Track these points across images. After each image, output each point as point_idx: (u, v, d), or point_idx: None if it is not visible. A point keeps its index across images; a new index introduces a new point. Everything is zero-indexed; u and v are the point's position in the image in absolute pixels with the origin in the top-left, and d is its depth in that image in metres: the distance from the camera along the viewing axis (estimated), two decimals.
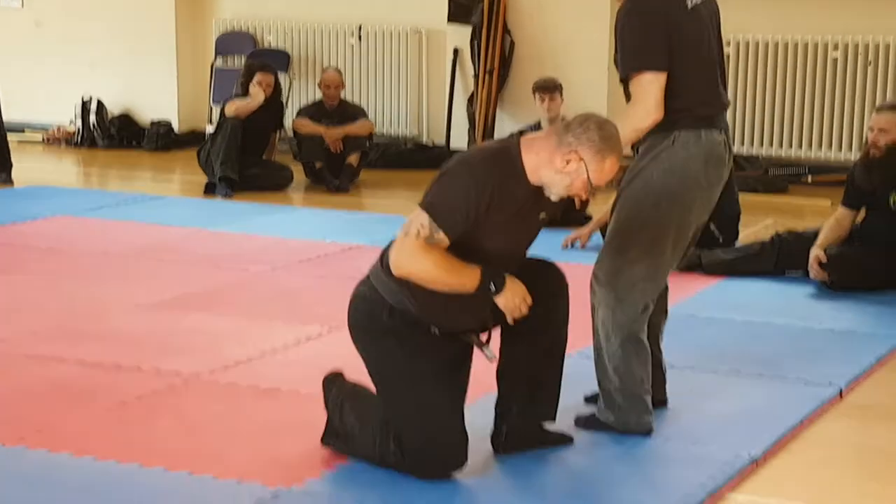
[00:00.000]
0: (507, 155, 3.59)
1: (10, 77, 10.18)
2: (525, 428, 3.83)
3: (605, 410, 3.99)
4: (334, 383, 3.92)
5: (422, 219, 3.51)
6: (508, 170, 3.57)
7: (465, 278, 3.53)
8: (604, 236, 4.23)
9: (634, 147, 4.00)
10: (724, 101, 4.01)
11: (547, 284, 3.75)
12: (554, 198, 3.60)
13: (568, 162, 3.52)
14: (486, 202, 3.51)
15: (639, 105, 3.81)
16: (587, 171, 3.52)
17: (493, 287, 3.53)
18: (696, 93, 3.88)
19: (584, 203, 3.74)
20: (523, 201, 3.60)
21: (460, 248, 3.55)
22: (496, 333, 3.77)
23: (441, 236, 3.50)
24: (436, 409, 3.63)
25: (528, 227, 3.70)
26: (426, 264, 3.49)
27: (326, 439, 3.87)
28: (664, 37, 3.79)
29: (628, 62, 3.83)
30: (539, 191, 3.60)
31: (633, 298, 3.87)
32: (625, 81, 3.88)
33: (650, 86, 3.79)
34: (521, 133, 3.70)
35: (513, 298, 3.57)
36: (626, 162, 3.85)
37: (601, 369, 3.97)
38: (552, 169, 3.55)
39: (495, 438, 3.83)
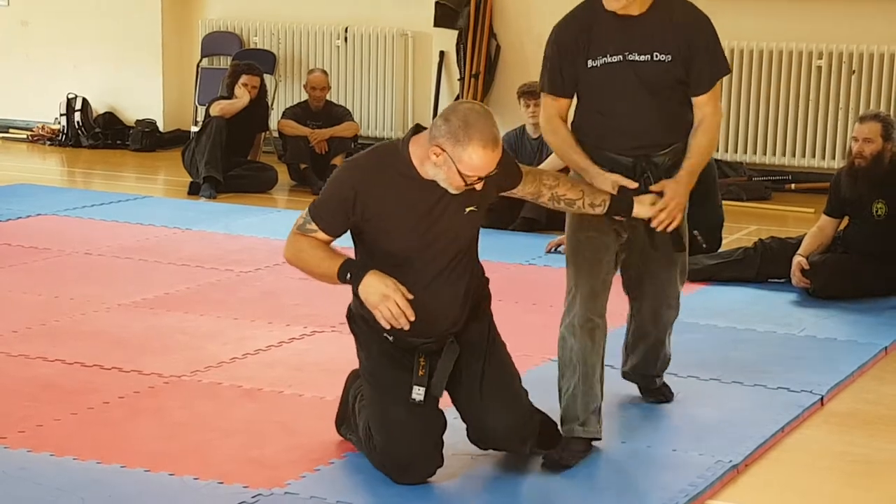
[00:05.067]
0: (391, 150, 3.57)
1: None
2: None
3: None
4: (358, 377, 3.91)
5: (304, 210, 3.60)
6: (391, 165, 3.53)
7: (326, 268, 3.53)
8: None
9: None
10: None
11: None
12: (452, 191, 3.50)
13: (437, 155, 3.45)
14: (362, 199, 3.48)
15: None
16: (454, 163, 3.43)
17: (349, 277, 3.49)
18: None
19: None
20: (427, 198, 3.52)
21: (373, 252, 3.56)
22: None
23: (313, 227, 3.55)
24: (391, 420, 3.63)
25: (449, 225, 3.57)
26: (293, 251, 3.58)
27: (339, 428, 3.95)
28: None
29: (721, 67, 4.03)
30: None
31: None
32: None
33: None
34: (418, 128, 3.59)
35: (375, 295, 3.46)
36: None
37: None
38: (430, 163, 3.48)
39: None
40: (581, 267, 3.87)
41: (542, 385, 4.03)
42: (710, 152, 3.94)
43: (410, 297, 3.48)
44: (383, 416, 3.64)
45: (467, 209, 3.57)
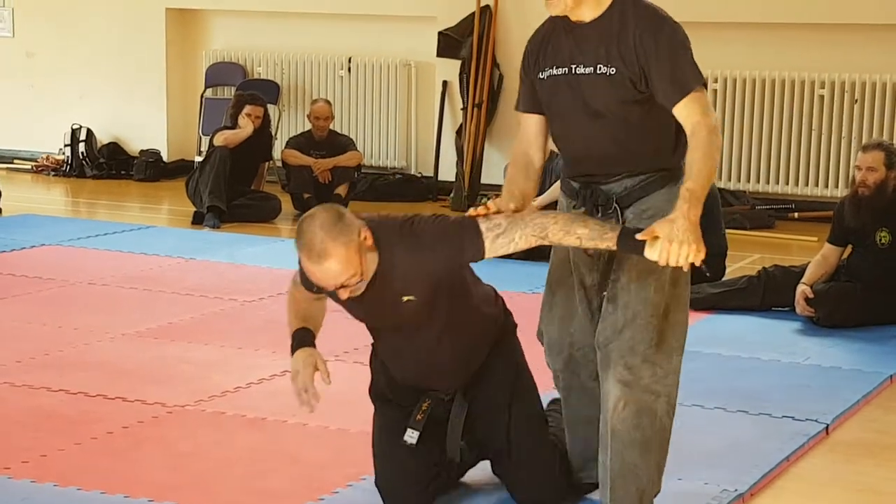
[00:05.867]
0: None
1: (0, 106, 10.19)
2: None
3: None
4: None
5: None
6: None
7: (290, 327, 3.57)
8: None
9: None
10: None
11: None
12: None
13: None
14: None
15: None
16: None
17: (292, 346, 3.51)
18: None
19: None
20: (360, 295, 3.36)
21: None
22: None
23: (298, 281, 3.55)
24: (382, 453, 3.64)
25: (396, 315, 3.41)
26: (287, 300, 3.63)
27: None
28: None
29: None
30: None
31: None
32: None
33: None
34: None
35: (292, 370, 3.46)
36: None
37: None
38: None
39: None
40: None
41: None
42: (709, 168, 3.21)
43: (328, 383, 3.43)
44: (378, 447, 3.66)
45: (404, 299, 3.38)
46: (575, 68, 3.33)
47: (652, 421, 3.29)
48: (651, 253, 3.14)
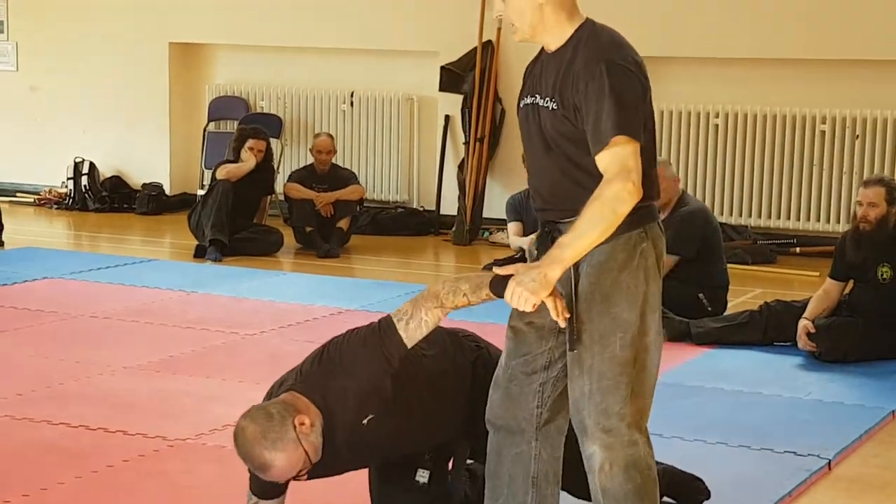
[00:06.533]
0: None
1: (3, 140, 10.23)
2: None
3: None
4: None
5: None
6: None
7: None
8: None
9: None
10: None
11: None
12: None
13: None
14: None
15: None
16: None
17: None
18: None
19: None
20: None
21: None
22: None
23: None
24: (382, 497, 3.65)
25: (363, 439, 3.41)
26: None
27: None
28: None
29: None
30: None
31: None
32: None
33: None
34: None
35: None
36: None
37: None
38: None
39: None
40: None
41: None
42: (597, 233, 2.96)
43: None
44: (379, 489, 3.66)
45: (364, 421, 3.38)
46: (536, 99, 3.20)
47: (640, 468, 3.19)
48: (506, 292, 3.01)
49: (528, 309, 2.99)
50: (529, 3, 3.09)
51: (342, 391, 3.29)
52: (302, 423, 3.21)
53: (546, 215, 3.20)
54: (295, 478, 3.27)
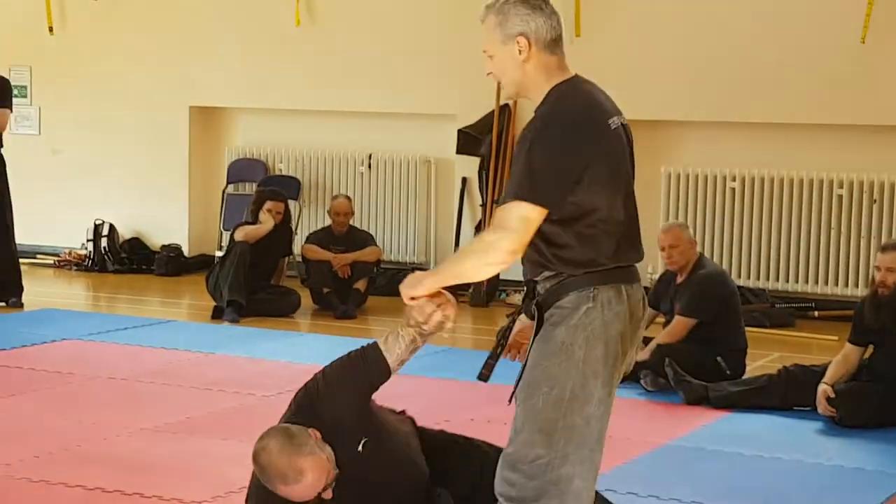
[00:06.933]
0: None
1: (25, 202, 10.29)
2: None
3: None
4: None
5: None
6: None
7: None
8: None
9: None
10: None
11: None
12: None
13: None
14: None
15: None
16: None
17: None
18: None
19: None
20: None
21: None
22: None
23: None
24: None
25: (368, 465, 3.51)
26: None
27: None
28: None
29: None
30: None
31: None
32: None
33: None
34: None
35: None
36: None
37: None
38: None
39: None
40: None
41: None
42: (462, 261, 3.13)
43: None
44: None
45: (360, 448, 3.48)
46: None
47: None
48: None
49: (406, 300, 3.27)
50: (512, 62, 3.14)
51: (335, 412, 3.42)
52: (317, 437, 3.32)
53: (526, 274, 3.22)
54: (321, 496, 3.29)
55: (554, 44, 3.14)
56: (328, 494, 3.32)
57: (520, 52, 3.11)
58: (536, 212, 3.00)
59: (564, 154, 3.01)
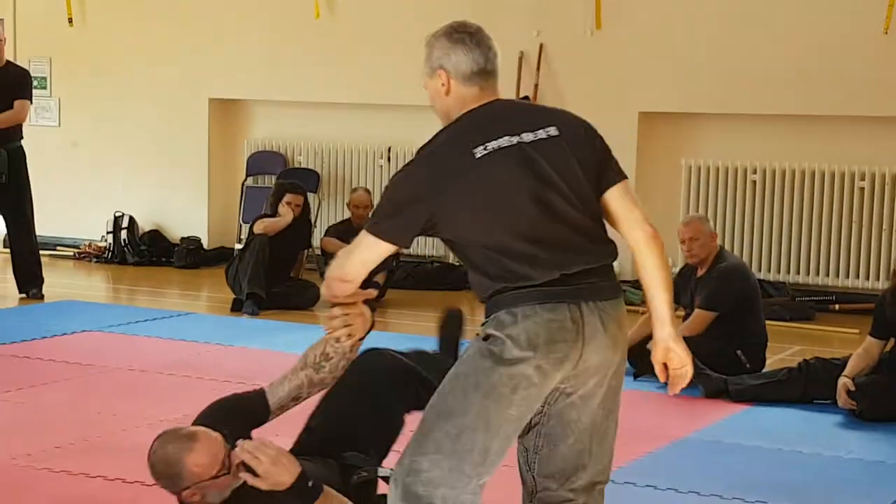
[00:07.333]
0: None
1: (45, 194, 10.34)
2: None
3: None
4: None
5: None
6: None
7: None
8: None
9: None
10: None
11: None
12: None
13: None
14: None
15: None
16: None
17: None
18: None
19: None
20: None
21: None
22: None
23: None
24: None
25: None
26: None
27: None
28: None
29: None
30: None
31: None
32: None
33: None
34: None
35: None
36: None
37: None
38: None
39: None
40: None
41: None
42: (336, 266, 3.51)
43: None
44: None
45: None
46: None
47: None
48: None
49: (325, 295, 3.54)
50: (436, 94, 3.28)
51: None
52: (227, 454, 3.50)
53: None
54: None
55: (475, 76, 3.17)
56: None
57: (441, 84, 3.22)
58: (374, 241, 3.31)
59: (404, 187, 3.17)
